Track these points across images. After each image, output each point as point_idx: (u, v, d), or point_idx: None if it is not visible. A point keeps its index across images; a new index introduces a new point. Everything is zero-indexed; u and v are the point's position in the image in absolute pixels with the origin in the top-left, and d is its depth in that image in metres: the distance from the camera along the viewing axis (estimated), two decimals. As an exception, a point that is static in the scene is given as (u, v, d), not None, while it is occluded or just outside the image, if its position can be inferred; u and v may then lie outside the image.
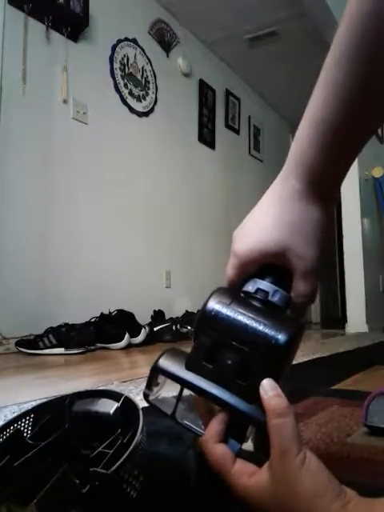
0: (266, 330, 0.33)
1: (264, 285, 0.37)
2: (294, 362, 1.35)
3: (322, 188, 0.37)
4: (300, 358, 1.51)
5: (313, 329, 3.95)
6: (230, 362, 0.34)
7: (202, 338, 0.35)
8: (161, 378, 0.37)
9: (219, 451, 0.34)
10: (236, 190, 3.72)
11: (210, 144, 3.38)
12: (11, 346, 1.80)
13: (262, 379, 0.34)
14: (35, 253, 2.01)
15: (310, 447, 0.59)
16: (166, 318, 2.40)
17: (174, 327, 2.33)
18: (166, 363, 0.36)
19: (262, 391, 0.33)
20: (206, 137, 3.33)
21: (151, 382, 0.38)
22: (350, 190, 3.15)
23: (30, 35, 2.05)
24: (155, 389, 0.38)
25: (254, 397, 0.33)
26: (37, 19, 2.09)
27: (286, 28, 3.15)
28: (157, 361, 0.37)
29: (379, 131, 3.78)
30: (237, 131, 3.75)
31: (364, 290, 3.05)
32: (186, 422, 0.38)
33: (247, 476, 0.33)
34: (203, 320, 0.35)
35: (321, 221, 0.37)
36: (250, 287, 0.37)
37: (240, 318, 0.34)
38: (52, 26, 2.15)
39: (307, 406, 0.83)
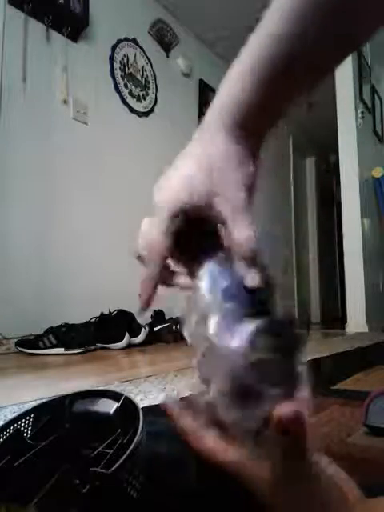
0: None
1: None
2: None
3: (251, 127, 0.34)
4: (300, 357, 1.51)
5: (313, 329, 3.95)
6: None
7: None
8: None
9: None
10: (236, 189, 3.72)
11: (210, 144, 3.37)
12: (11, 346, 1.80)
13: None
14: (35, 253, 2.01)
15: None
16: (166, 318, 2.40)
17: (173, 327, 2.32)
18: None
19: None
20: (206, 137, 3.33)
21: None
22: (350, 190, 3.15)
23: (30, 35, 2.05)
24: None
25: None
26: (37, 19, 2.09)
27: (286, 28, 3.15)
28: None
29: (379, 131, 3.78)
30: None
31: (364, 290, 3.05)
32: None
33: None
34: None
35: (247, 159, 0.34)
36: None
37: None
38: (52, 26, 2.15)
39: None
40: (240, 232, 0.32)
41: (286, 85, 0.33)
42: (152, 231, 0.34)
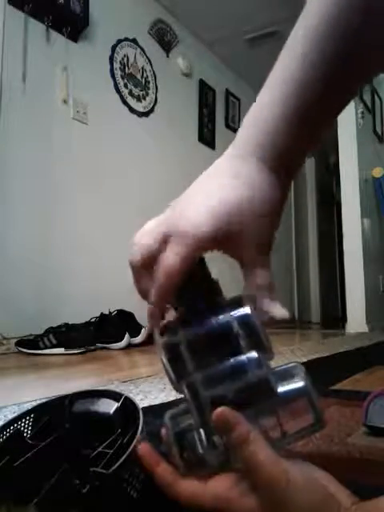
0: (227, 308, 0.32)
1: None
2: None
3: (283, 167, 0.34)
4: (300, 358, 1.51)
5: (313, 329, 3.95)
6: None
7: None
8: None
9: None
10: (236, 189, 3.72)
11: (210, 144, 3.37)
12: (11, 346, 1.80)
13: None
14: (35, 253, 2.01)
15: (310, 447, 0.59)
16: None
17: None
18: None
19: (219, 425, 0.30)
20: (206, 137, 3.33)
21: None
22: (350, 190, 3.15)
23: (30, 35, 2.05)
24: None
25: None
26: (37, 19, 2.09)
27: (285, 28, 3.14)
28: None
29: (379, 131, 3.77)
30: (237, 131, 3.75)
31: (364, 290, 3.05)
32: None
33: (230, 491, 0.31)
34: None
35: (279, 198, 0.34)
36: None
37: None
38: (52, 26, 2.15)
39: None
40: (261, 278, 0.34)
41: (324, 128, 0.35)
42: (169, 254, 0.31)
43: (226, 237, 0.31)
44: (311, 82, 0.32)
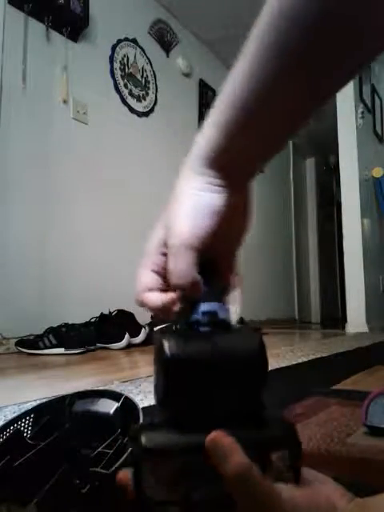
0: (237, 351, 0.30)
1: (207, 306, 0.34)
2: (294, 362, 1.34)
3: (237, 177, 0.34)
4: (300, 357, 1.51)
5: (313, 329, 3.95)
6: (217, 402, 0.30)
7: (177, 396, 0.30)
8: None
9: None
10: (236, 190, 3.72)
11: (210, 144, 3.37)
12: (11, 346, 1.80)
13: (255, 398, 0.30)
14: (35, 252, 2.01)
15: (310, 447, 0.59)
16: (166, 318, 2.40)
17: (173, 327, 2.32)
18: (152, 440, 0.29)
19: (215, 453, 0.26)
20: (206, 137, 3.33)
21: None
22: (350, 190, 3.15)
23: (30, 35, 2.05)
24: None
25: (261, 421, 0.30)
26: (37, 19, 2.09)
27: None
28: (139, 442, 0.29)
29: (379, 131, 3.78)
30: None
31: (364, 290, 3.05)
32: None
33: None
34: (171, 374, 0.30)
35: (239, 207, 0.35)
36: (195, 315, 0.34)
37: (205, 354, 0.30)
38: (52, 26, 2.15)
39: (307, 406, 0.83)
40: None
41: (284, 133, 0.34)
42: (177, 263, 0.34)
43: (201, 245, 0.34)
44: (262, 74, 0.30)
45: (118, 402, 0.44)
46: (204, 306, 0.34)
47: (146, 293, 0.38)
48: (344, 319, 3.28)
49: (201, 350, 0.30)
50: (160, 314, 0.38)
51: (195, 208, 0.34)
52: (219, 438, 0.26)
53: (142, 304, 0.38)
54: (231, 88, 0.32)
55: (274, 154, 0.35)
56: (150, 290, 0.38)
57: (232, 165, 0.34)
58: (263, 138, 0.33)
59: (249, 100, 0.31)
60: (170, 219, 0.34)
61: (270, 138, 0.34)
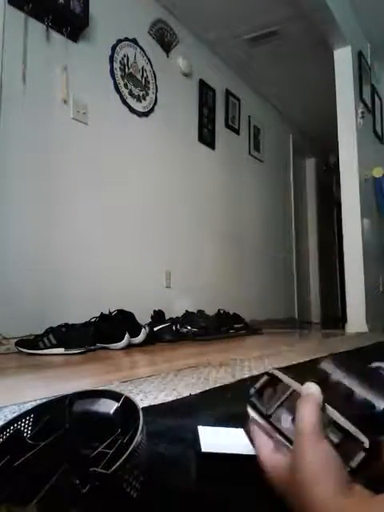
0: None
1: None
2: (294, 362, 1.33)
3: None
4: (300, 357, 1.51)
5: (313, 329, 3.95)
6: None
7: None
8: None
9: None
10: (236, 189, 3.72)
11: (210, 144, 3.38)
12: (11, 346, 1.80)
13: None
14: (35, 253, 2.01)
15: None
16: (166, 317, 2.40)
17: (173, 327, 2.32)
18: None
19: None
20: (206, 137, 3.33)
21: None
22: (350, 190, 3.15)
23: (29, 35, 2.05)
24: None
25: None
26: (37, 19, 2.09)
27: (285, 28, 3.16)
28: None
29: (379, 131, 3.77)
30: (237, 131, 3.75)
31: (364, 290, 3.05)
32: (279, 425, 0.39)
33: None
34: None
35: None
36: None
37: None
38: (52, 26, 2.15)
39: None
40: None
41: None
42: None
43: None
44: None
45: (118, 402, 0.44)
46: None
47: None
48: (344, 319, 3.28)
49: None
50: None
51: None
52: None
53: None
54: None
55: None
56: None
57: None
58: None
59: None
60: None
61: None
